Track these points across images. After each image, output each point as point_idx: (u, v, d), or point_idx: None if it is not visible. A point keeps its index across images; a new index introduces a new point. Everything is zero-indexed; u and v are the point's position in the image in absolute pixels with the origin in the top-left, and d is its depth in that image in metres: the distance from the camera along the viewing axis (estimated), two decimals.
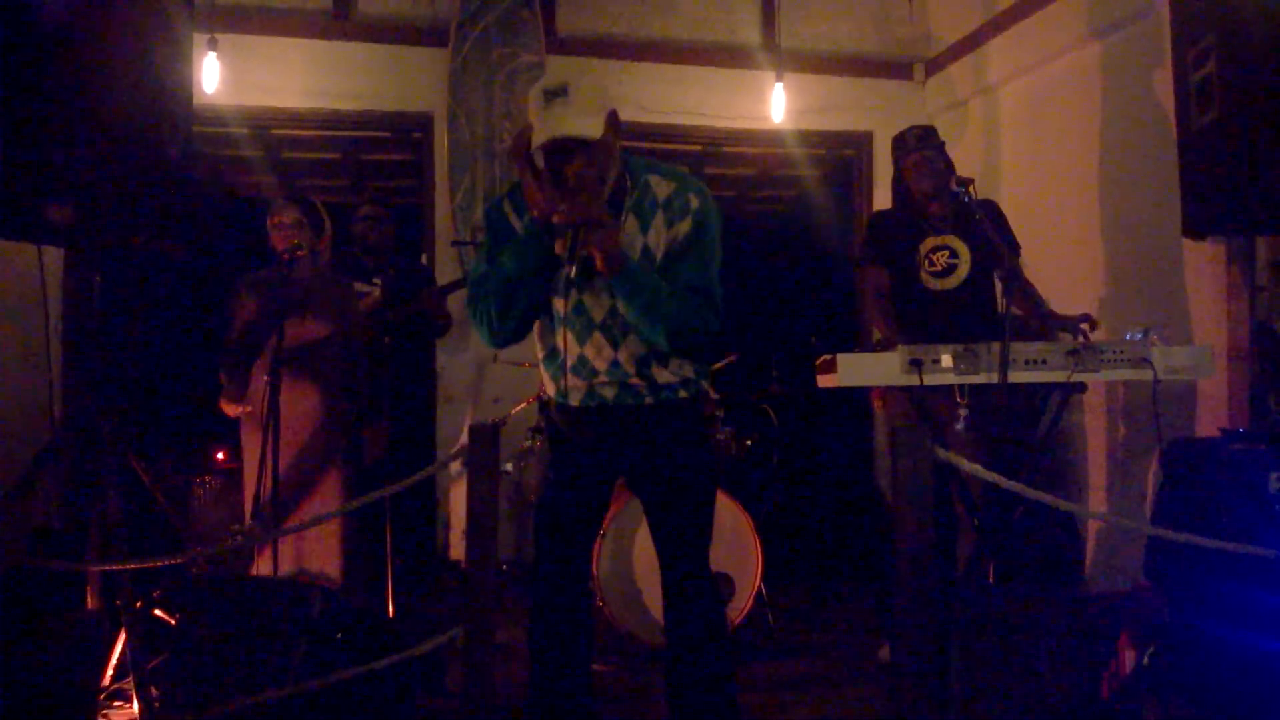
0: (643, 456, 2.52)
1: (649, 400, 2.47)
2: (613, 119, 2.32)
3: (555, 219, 2.25)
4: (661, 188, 2.39)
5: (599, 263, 2.25)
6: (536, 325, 2.50)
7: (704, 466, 2.56)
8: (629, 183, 2.39)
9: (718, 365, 4.43)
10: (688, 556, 2.52)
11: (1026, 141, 5.09)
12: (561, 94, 2.23)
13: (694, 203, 2.36)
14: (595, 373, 2.44)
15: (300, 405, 3.65)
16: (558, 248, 2.28)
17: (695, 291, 2.33)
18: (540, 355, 2.56)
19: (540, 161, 2.31)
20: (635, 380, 2.45)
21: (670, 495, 2.52)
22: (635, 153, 2.47)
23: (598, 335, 2.42)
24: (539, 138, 2.25)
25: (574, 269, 2.32)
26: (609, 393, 2.46)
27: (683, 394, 2.50)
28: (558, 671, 2.52)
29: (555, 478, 2.60)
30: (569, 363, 2.46)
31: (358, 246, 4.74)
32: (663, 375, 2.46)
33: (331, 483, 3.73)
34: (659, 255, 2.38)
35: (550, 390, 2.57)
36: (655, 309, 2.30)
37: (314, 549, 3.68)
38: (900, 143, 3.77)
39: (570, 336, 2.44)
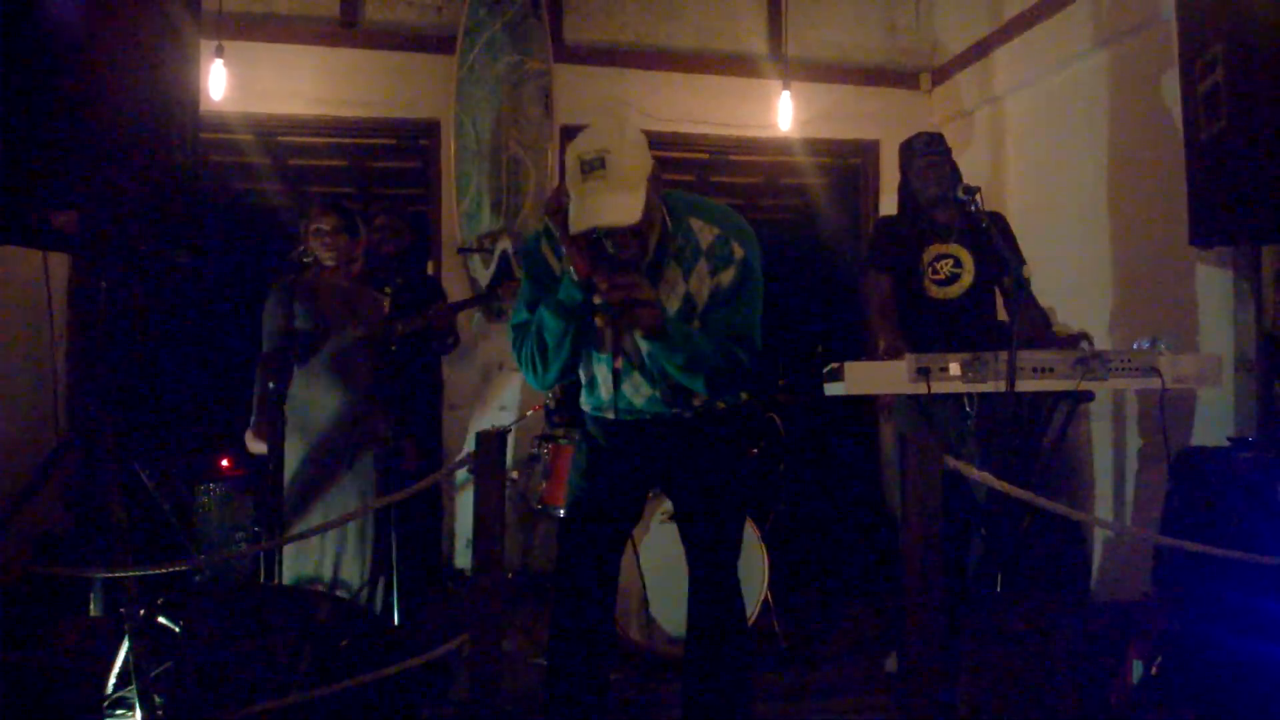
0: (677, 462, 2.53)
1: (686, 414, 2.47)
2: (656, 179, 2.18)
3: (596, 298, 2.19)
4: (705, 234, 2.30)
5: (639, 333, 2.23)
6: None
7: (737, 475, 2.56)
8: (669, 225, 2.30)
9: None
10: (715, 562, 2.53)
11: (1033, 151, 5.08)
12: (599, 166, 2.05)
13: (738, 252, 2.29)
14: (633, 404, 2.46)
15: (334, 410, 3.69)
16: (598, 322, 2.23)
17: (736, 339, 2.30)
18: (582, 379, 2.55)
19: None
20: (675, 409, 2.46)
21: (702, 501, 2.53)
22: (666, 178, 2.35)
23: (636, 375, 2.42)
24: (576, 221, 2.09)
25: (619, 359, 2.35)
26: (647, 414, 2.48)
27: (720, 405, 2.49)
28: (577, 681, 2.50)
29: (588, 484, 2.57)
30: (606, 395, 2.47)
31: (370, 255, 4.73)
32: (699, 398, 2.46)
33: (365, 486, 3.74)
34: (701, 303, 2.32)
35: (586, 406, 2.58)
36: (694, 364, 2.26)
37: (348, 552, 3.71)
38: (907, 148, 3.78)
39: (609, 374, 2.44)
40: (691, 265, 2.30)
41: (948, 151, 3.74)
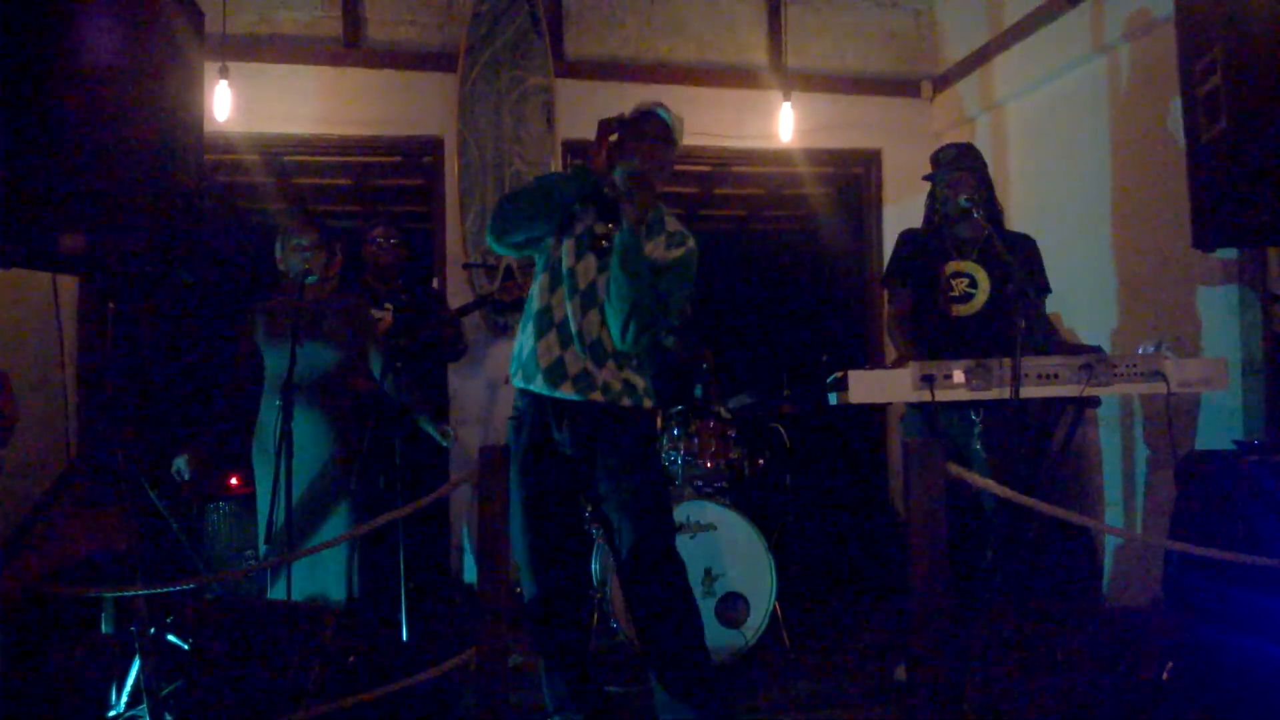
0: (595, 451, 2.90)
1: (600, 399, 2.86)
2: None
3: (623, 165, 2.87)
4: (671, 223, 3.01)
5: (633, 215, 2.79)
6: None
7: (647, 465, 2.94)
8: (654, 206, 2.95)
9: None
10: (649, 548, 2.85)
11: (1034, 157, 5.08)
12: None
13: (690, 243, 2.98)
14: (565, 372, 2.87)
15: (311, 431, 3.66)
16: (618, 179, 2.85)
17: (663, 307, 2.85)
18: (528, 337, 2.97)
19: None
20: (593, 394, 2.86)
21: (612, 490, 2.88)
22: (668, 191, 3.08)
23: (575, 345, 2.87)
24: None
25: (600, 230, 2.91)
26: (569, 397, 2.86)
27: (624, 403, 2.90)
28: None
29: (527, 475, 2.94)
30: (547, 352, 2.90)
31: (369, 270, 4.73)
32: (615, 381, 2.88)
33: (342, 509, 3.72)
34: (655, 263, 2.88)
35: (518, 378, 2.95)
36: (634, 295, 2.75)
37: (326, 574, 3.68)
38: (933, 160, 3.72)
39: (572, 309, 2.89)
40: (655, 236, 2.94)
41: (981, 167, 3.66)
